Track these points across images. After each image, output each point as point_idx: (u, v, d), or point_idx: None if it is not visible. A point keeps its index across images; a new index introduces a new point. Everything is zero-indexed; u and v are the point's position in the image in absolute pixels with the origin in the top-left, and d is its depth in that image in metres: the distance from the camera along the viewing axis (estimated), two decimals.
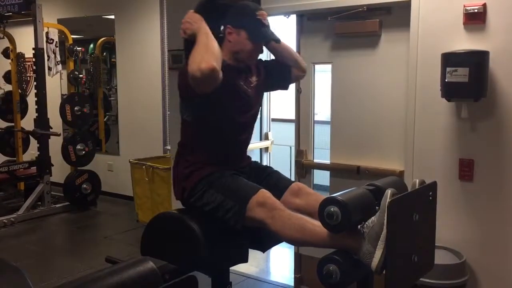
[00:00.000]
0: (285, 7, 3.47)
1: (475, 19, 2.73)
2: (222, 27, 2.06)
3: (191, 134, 2.17)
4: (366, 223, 1.73)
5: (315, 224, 1.82)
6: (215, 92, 1.92)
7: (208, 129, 2.12)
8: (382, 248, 1.65)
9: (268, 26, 2.14)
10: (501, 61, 2.68)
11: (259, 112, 5.14)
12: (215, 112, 2.06)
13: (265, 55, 2.77)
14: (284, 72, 2.36)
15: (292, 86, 3.60)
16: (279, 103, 6.02)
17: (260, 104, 2.31)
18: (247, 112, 2.18)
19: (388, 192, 1.68)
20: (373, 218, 1.71)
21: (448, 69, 2.64)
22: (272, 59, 2.43)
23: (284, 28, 4.87)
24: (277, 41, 2.21)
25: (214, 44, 1.91)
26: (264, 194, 1.97)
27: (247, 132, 2.26)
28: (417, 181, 1.85)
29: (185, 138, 2.21)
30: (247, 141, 2.30)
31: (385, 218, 1.64)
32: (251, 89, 2.19)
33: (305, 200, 2.12)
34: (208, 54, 1.85)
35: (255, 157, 5.03)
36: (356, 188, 1.88)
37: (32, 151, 6.11)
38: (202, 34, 1.93)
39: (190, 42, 1.97)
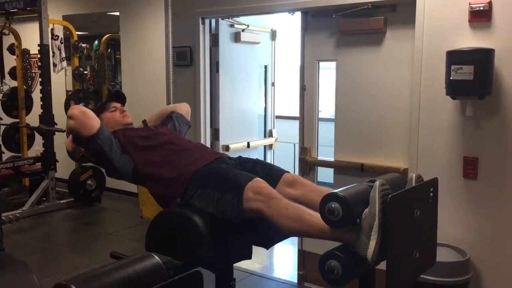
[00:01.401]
0: (290, 4, 3.48)
1: (480, 17, 2.73)
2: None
3: (145, 175, 2.29)
4: (362, 215, 1.74)
5: (313, 215, 1.83)
6: (126, 139, 2.33)
7: (150, 164, 2.28)
8: (376, 238, 1.66)
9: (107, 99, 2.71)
10: (507, 59, 2.67)
11: (264, 110, 5.16)
12: (136, 149, 2.32)
13: None
14: (172, 117, 2.72)
15: (296, 83, 3.63)
16: (283, 101, 6.03)
17: (175, 133, 2.58)
18: (161, 136, 2.42)
19: (377, 183, 1.69)
20: (366, 210, 1.72)
21: (453, 66, 2.64)
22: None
23: (288, 25, 4.88)
24: (116, 95, 2.76)
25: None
26: (259, 183, 1.97)
27: (177, 146, 2.35)
28: (414, 175, 1.86)
29: (145, 181, 2.33)
30: (196, 151, 2.35)
31: (377, 208, 1.66)
32: (152, 128, 2.56)
33: (300, 191, 2.12)
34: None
35: (259, 154, 5.05)
36: (357, 184, 1.88)
37: (37, 147, 6.13)
38: None
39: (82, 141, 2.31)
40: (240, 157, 2.37)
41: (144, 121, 2.72)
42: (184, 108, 2.83)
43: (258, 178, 2.00)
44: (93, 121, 2.29)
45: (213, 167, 2.16)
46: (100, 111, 2.58)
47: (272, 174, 2.20)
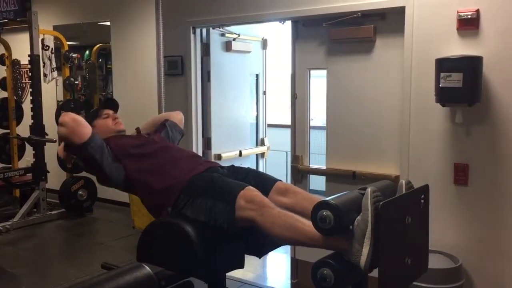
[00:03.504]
0: (280, 13, 3.50)
1: (468, 25, 2.76)
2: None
3: (136, 183, 2.29)
4: (354, 223, 1.74)
5: (305, 223, 1.83)
6: (118, 146, 2.33)
7: (142, 171, 2.28)
8: (369, 245, 1.67)
9: (101, 106, 2.64)
10: (495, 66, 2.70)
11: (256, 119, 5.16)
12: (128, 157, 2.32)
13: None
14: (166, 126, 2.73)
15: (288, 92, 3.64)
16: (275, 109, 6.04)
17: (167, 141, 2.60)
18: (152, 144, 2.43)
19: (369, 190, 1.70)
20: (358, 217, 1.73)
21: (442, 74, 2.66)
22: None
23: (279, 34, 4.91)
24: (111, 102, 2.77)
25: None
26: (251, 192, 1.98)
27: (173, 155, 2.37)
28: (403, 181, 1.88)
29: (136, 189, 2.32)
30: (188, 161, 2.35)
31: (369, 215, 1.66)
32: (145, 136, 2.58)
33: (293, 199, 2.13)
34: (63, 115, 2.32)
35: (251, 163, 5.05)
36: (348, 192, 1.89)
37: (28, 158, 6.08)
38: None
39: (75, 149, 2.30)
40: (232, 166, 2.38)
41: (137, 129, 2.72)
42: (177, 116, 2.84)
43: (251, 187, 2.00)
44: (84, 129, 2.27)
45: (205, 176, 2.16)
46: (93, 117, 2.57)
47: (265, 182, 2.20)
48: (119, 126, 2.60)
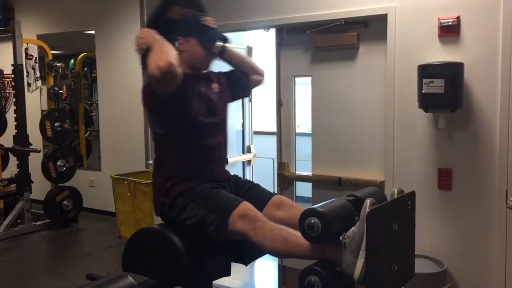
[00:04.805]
0: (264, 21, 3.52)
1: (449, 32, 2.80)
2: (175, 42, 2.12)
3: (164, 146, 2.20)
4: (347, 233, 1.74)
5: (298, 236, 1.83)
6: (179, 99, 2.03)
7: (179, 137, 2.15)
8: (364, 258, 1.66)
9: (214, 29, 2.22)
10: (476, 72, 2.74)
11: (242, 126, 5.16)
12: (183, 118, 2.12)
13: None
14: (243, 79, 2.46)
15: (273, 99, 3.65)
16: (261, 116, 6.05)
17: (226, 111, 2.36)
18: (213, 116, 2.22)
19: (367, 202, 1.70)
20: (353, 228, 1.73)
21: (424, 80, 2.70)
22: (231, 70, 2.49)
23: (264, 42, 4.93)
24: (225, 39, 2.30)
25: (168, 45, 1.96)
26: (245, 206, 1.97)
27: (218, 137, 2.27)
28: (396, 190, 1.88)
29: (159, 152, 2.24)
30: (221, 148, 2.29)
31: (365, 227, 1.66)
32: (213, 94, 2.26)
33: (288, 213, 2.13)
34: (164, 53, 1.90)
35: (237, 171, 5.05)
36: (336, 199, 1.90)
37: (12, 168, 6.01)
38: (156, 42, 1.98)
39: (146, 57, 1.99)
40: (235, 176, 2.37)
41: (225, 40, 2.31)
42: (257, 78, 2.53)
43: (245, 202, 2.00)
44: (173, 85, 1.95)
45: (206, 187, 2.13)
46: (190, 33, 2.15)
47: (261, 197, 2.20)
48: (206, 66, 2.24)
